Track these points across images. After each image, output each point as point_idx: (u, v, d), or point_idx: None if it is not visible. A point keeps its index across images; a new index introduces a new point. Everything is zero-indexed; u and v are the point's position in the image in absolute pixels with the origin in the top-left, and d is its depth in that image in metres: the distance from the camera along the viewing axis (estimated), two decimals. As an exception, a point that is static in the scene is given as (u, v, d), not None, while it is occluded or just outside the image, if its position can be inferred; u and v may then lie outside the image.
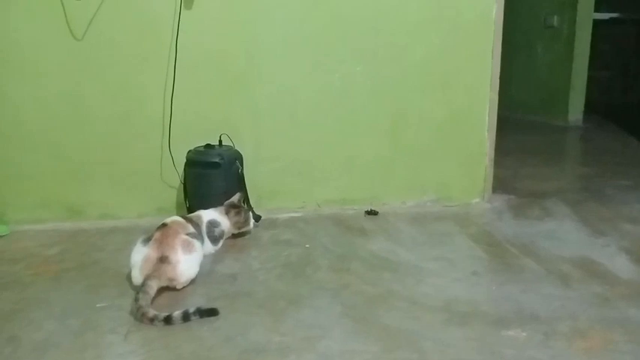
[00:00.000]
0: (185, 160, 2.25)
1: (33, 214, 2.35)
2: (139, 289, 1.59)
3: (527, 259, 1.95)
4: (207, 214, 2.00)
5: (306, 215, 2.45)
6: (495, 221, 2.38)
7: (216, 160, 2.19)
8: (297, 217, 2.42)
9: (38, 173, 2.34)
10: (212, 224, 1.99)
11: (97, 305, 1.63)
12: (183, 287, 1.71)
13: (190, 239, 1.77)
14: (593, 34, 4.74)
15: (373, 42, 2.42)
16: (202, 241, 1.88)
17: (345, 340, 1.43)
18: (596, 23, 4.78)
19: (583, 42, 4.72)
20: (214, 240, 2.00)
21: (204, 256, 1.85)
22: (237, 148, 2.31)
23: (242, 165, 2.29)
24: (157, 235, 1.73)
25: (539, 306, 1.60)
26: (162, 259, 1.66)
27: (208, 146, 2.25)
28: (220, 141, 2.29)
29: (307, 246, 2.09)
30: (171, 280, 1.67)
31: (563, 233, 2.22)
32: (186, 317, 1.50)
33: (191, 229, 1.84)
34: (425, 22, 2.43)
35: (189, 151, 2.25)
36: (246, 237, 2.19)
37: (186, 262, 1.70)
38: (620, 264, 1.89)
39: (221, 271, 1.88)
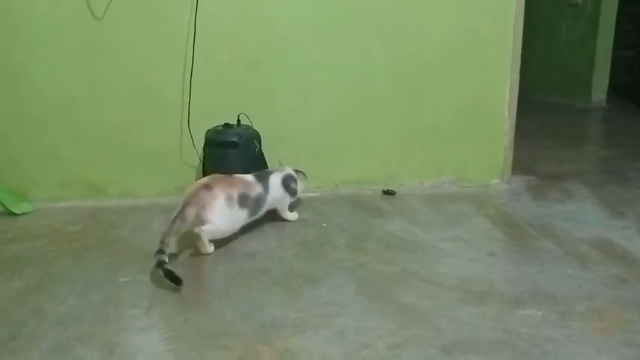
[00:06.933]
0: (204, 140, 2.27)
1: (56, 192, 2.40)
2: (178, 213, 1.68)
3: (545, 240, 1.94)
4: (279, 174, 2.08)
5: (323, 195, 2.46)
6: (514, 202, 2.37)
7: (234, 139, 2.20)
8: (314, 197, 2.43)
9: (60, 153, 2.39)
10: (291, 178, 2.10)
11: (120, 280, 1.67)
12: (204, 243, 1.79)
13: (236, 198, 1.84)
14: (618, 13, 4.62)
15: (390, 20, 2.39)
16: (248, 209, 1.91)
17: (360, 317, 1.45)
18: (621, 1, 4.67)
19: (608, 21, 4.61)
20: (293, 193, 2.10)
21: (237, 230, 1.92)
22: (254, 127, 2.32)
23: (260, 144, 2.30)
24: (220, 175, 1.87)
25: (556, 286, 1.59)
26: (207, 187, 1.76)
27: (227, 125, 2.27)
28: (239, 120, 2.30)
29: (324, 225, 2.11)
30: (202, 207, 1.73)
31: (582, 215, 2.20)
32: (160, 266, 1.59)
33: (248, 192, 1.90)
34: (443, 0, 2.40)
35: (208, 131, 2.27)
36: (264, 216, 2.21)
37: (222, 208, 1.78)
38: (639, 246, 1.87)
39: (239, 248, 1.90)
